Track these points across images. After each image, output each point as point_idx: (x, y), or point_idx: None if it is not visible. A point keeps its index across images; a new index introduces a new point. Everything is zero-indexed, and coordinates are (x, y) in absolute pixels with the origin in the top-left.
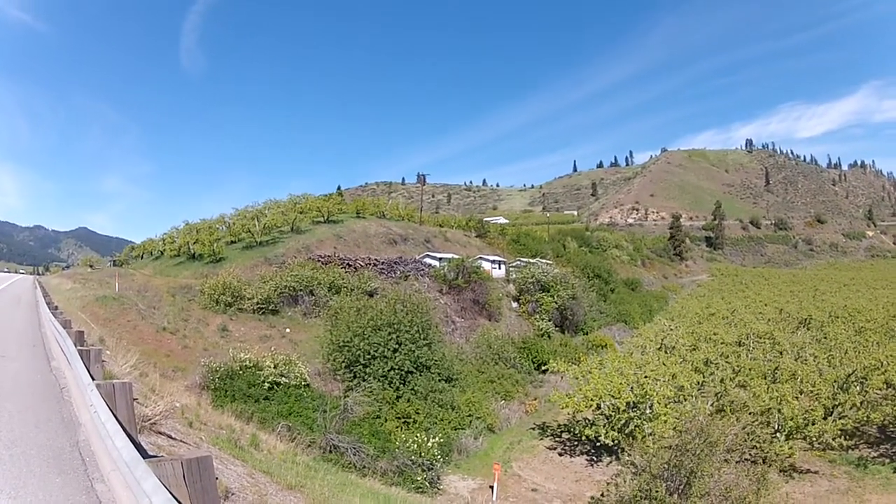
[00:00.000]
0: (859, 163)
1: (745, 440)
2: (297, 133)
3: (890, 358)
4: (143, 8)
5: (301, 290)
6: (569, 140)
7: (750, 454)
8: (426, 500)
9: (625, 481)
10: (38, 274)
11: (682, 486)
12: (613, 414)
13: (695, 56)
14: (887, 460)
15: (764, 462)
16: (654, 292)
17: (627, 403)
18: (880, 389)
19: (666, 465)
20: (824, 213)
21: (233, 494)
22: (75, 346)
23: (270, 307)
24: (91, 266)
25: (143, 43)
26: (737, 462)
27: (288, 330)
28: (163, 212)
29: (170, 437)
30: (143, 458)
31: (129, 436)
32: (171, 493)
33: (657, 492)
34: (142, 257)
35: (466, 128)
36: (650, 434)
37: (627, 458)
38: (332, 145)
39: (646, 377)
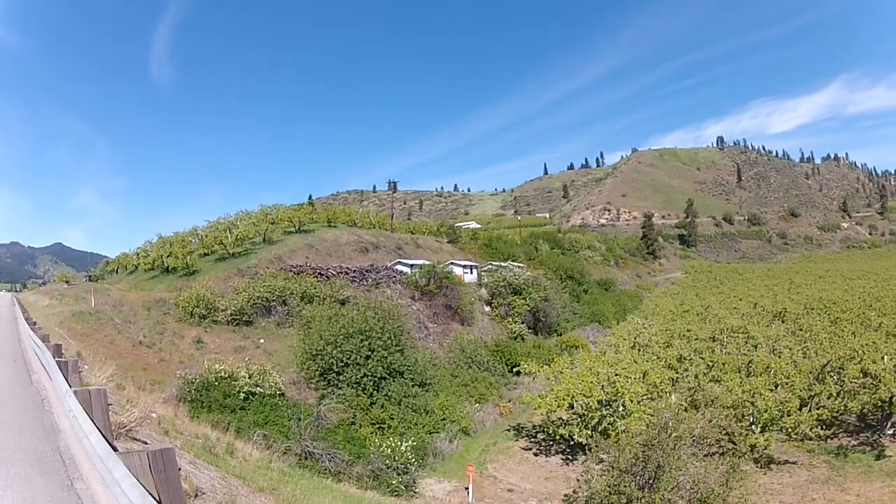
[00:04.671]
0: (832, 156)
1: (713, 433)
2: (269, 143)
3: (865, 347)
4: (113, 21)
5: (274, 300)
6: (539, 143)
7: (725, 447)
8: (401, 502)
9: (592, 478)
10: (16, 291)
11: (650, 481)
12: (586, 413)
13: (664, 55)
14: (868, 448)
15: (742, 455)
16: (627, 291)
17: (599, 402)
18: (856, 378)
19: (633, 460)
20: (798, 207)
21: (203, 494)
22: (54, 358)
23: (244, 318)
24: (67, 282)
25: (114, 56)
26: (705, 455)
27: (262, 340)
28: (136, 226)
29: (144, 443)
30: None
31: (104, 437)
32: (138, 480)
33: (626, 487)
34: (117, 272)
35: (437, 134)
36: (623, 431)
37: (596, 454)
38: (303, 155)
39: (616, 375)
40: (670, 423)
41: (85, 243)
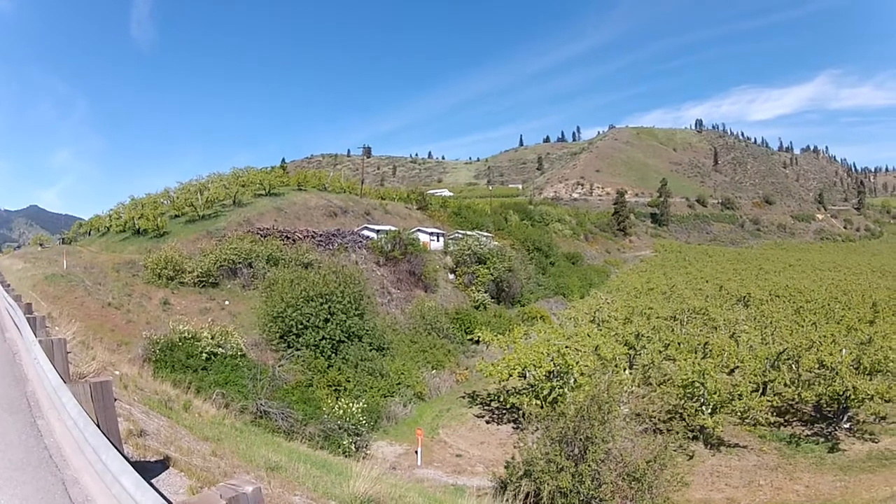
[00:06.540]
0: (812, 147)
1: (649, 409)
2: (245, 104)
3: (822, 338)
4: None
5: (240, 262)
6: (516, 114)
7: (672, 425)
8: (345, 461)
9: (525, 445)
10: None
11: (580, 452)
12: (537, 383)
13: (651, 34)
14: (822, 439)
15: (677, 433)
16: (595, 266)
17: (549, 373)
18: (812, 369)
19: (564, 431)
20: (773, 195)
21: (147, 434)
22: (24, 315)
23: (210, 280)
24: (41, 245)
25: (93, 13)
26: (640, 432)
27: (227, 302)
28: (112, 187)
29: None
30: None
31: (59, 376)
32: (81, 406)
33: (556, 455)
34: (89, 234)
35: (414, 100)
36: (571, 403)
37: (528, 422)
38: (278, 116)
39: (567, 348)
40: (602, 396)
41: (60, 206)
